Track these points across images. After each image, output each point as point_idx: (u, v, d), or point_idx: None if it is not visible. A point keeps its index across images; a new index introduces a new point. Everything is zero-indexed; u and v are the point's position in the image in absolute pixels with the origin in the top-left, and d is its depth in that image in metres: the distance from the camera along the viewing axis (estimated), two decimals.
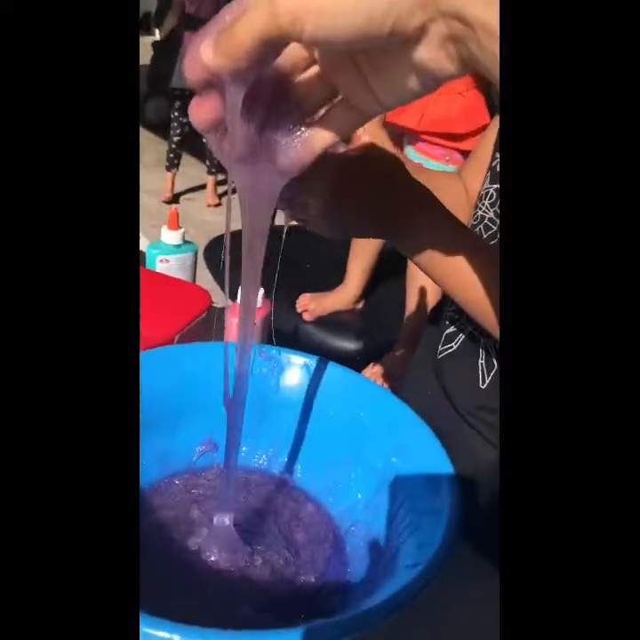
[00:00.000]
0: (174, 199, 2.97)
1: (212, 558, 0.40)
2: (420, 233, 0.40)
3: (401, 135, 1.22)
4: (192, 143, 2.86)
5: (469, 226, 0.55)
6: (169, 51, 2.81)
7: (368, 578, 0.40)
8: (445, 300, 0.61)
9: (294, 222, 0.41)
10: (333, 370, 0.49)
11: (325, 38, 0.21)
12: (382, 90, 0.25)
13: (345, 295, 1.28)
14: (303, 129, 0.27)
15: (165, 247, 0.75)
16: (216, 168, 2.88)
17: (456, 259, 0.39)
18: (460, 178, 0.60)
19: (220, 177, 2.93)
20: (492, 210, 0.52)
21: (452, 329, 0.56)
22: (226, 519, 0.40)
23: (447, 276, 0.41)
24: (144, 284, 0.65)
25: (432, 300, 1.01)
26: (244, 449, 0.49)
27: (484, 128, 1.17)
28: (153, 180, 2.93)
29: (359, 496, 0.45)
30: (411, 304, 1.14)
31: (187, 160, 3.03)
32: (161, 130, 3.24)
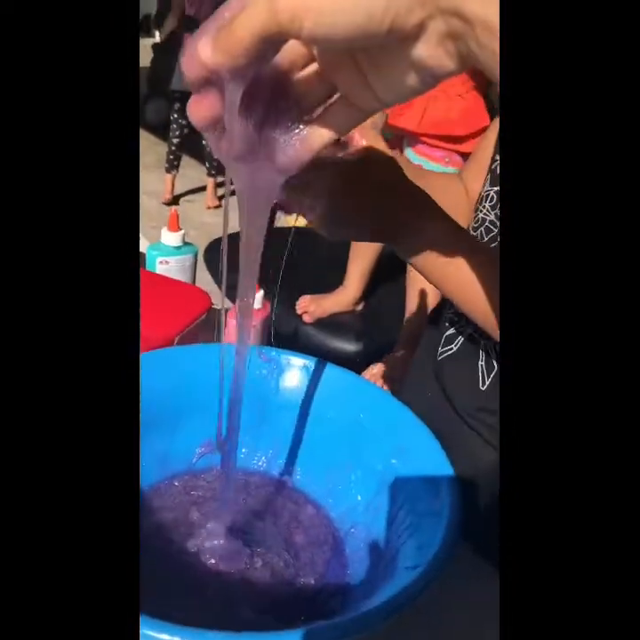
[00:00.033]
0: (174, 201, 2.98)
1: (212, 560, 0.40)
2: (418, 235, 0.40)
3: (401, 137, 1.23)
4: (192, 145, 2.86)
5: (470, 228, 0.55)
6: (169, 53, 2.82)
7: (368, 579, 0.40)
8: (445, 302, 0.61)
9: (299, 223, 0.41)
10: (333, 371, 0.49)
11: (324, 35, 0.21)
12: (381, 87, 0.25)
13: (345, 297, 1.28)
14: (302, 127, 0.27)
15: (165, 249, 0.75)
16: (216, 170, 2.89)
17: (454, 261, 0.39)
18: (461, 179, 0.60)
19: (220, 179, 2.93)
20: (492, 212, 0.53)
21: (451, 331, 0.56)
22: (222, 526, 0.40)
23: (446, 279, 0.41)
24: (144, 285, 0.65)
25: (432, 301, 1.01)
26: (243, 451, 0.49)
27: (483, 130, 1.17)
28: (153, 182, 2.93)
29: (359, 498, 0.45)
30: (411, 306, 1.14)
31: (186, 162, 3.03)
32: (161, 131, 3.24)
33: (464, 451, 0.48)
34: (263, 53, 0.22)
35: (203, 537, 0.41)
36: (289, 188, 0.38)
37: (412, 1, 0.21)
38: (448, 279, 0.41)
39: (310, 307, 1.26)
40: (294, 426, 0.49)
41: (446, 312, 0.59)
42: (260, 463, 0.49)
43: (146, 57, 3.54)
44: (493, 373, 0.52)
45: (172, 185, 2.97)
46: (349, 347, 1.23)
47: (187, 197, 3.09)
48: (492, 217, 0.53)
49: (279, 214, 0.41)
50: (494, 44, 0.21)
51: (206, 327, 0.64)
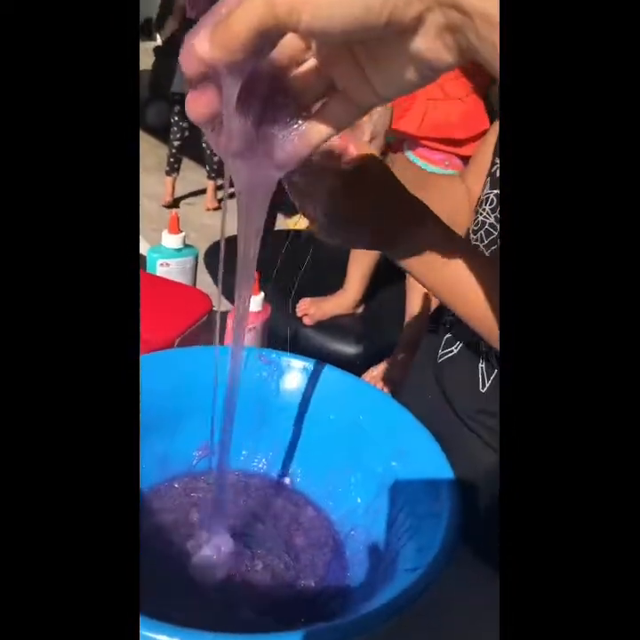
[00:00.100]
0: (174, 203, 2.98)
1: (214, 562, 0.40)
2: (413, 240, 0.40)
3: (401, 140, 1.23)
4: (192, 147, 2.86)
5: (470, 230, 0.55)
6: (170, 55, 2.83)
7: (368, 582, 0.40)
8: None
9: (299, 226, 0.42)
10: (333, 374, 0.49)
11: (322, 29, 0.21)
12: (380, 81, 0.25)
13: (345, 299, 1.29)
14: (300, 122, 0.27)
15: (166, 251, 0.75)
16: (216, 172, 2.89)
17: (449, 265, 0.40)
18: (463, 181, 0.60)
19: (220, 181, 2.94)
20: (492, 215, 0.53)
21: (452, 333, 0.56)
22: (221, 528, 0.40)
23: (442, 285, 0.41)
24: (145, 287, 0.65)
25: (432, 304, 1.01)
26: (243, 453, 0.49)
27: (483, 133, 1.17)
28: (153, 185, 2.93)
29: (359, 500, 0.45)
30: (411, 308, 1.14)
31: (187, 164, 3.03)
32: (162, 134, 3.25)
33: (464, 453, 0.48)
34: (260, 47, 0.22)
35: (203, 539, 0.41)
36: (292, 194, 0.38)
37: None
38: (443, 284, 0.41)
39: (310, 309, 1.26)
40: (294, 428, 0.49)
41: (446, 315, 0.59)
42: (260, 465, 0.49)
43: (147, 60, 3.55)
44: (493, 376, 0.52)
45: (173, 188, 2.98)
46: (349, 349, 1.23)
47: (187, 200, 3.09)
48: (492, 220, 0.53)
49: (280, 216, 0.41)
50: (494, 37, 0.21)
51: (207, 329, 0.64)
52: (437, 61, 0.23)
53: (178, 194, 3.03)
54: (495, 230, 0.53)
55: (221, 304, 0.39)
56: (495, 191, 0.53)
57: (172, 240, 0.74)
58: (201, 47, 0.22)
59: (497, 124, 0.60)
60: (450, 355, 0.56)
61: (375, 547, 0.41)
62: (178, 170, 2.96)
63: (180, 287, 0.71)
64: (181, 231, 0.75)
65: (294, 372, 0.49)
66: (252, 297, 0.65)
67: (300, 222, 0.43)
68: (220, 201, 2.99)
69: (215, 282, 1.22)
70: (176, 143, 2.87)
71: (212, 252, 1.42)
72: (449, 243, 0.40)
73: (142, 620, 0.27)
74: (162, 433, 0.46)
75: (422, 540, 0.36)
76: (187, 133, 2.83)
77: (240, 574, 0.39)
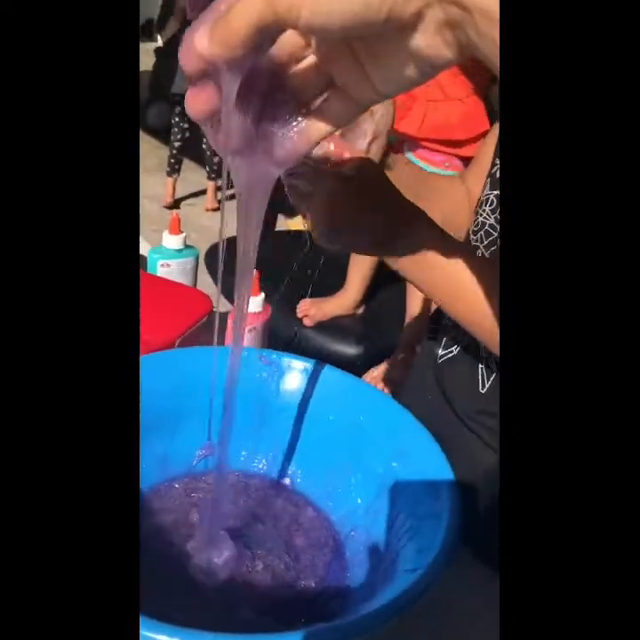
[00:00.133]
0: (175, 204, 2.98)
1: (214, 562, 0.40)
2: (410, 241, 0.40)
3: (402, 141, 1.23)
4: (193, 148, 2.87)
5: (470, 231, 0.55)
6: (171, 56, 2.83)
7: (368, 582, 0.40)
8: None
9: (300, 227, 0.42)
10: (333, 374, 0.49)
11: (321, 25, 0.21)
12: (379, 78, 0.25)
13: (345, 300, 1.29)
14: (299, 119, 0.27)
15: (167, 252, 0.75)
16: (216, 173, 2.89)
17: (447, 270, 0.40)
18: (463, 182, 0.60)
19: (220, 182, 2.94)
20: (492, 216, 0.53)
21: (452, 334, 0.56)
22: (221, 528, 0.40)
23: (439, 289, 0.41)
24: (145, 288, 0.65)
25: (432, 305, 1.01)
26: (243, 453, 0.49)
27: (483, 134, 1.17)
28: (154, 186, 2.94)
29: (359, 501, 0.45)
30: (411, 309, 1.14)
31: (187, 165, 3.03)
32: (163, 135, 3.25)
33: (464, 454, 0.48)
34: (260, 44, 0.22)
35: (203, 539, 0.41)
36: (292, 198, 0.39)
37: None
38: (441, 288, 0.41)
39: (311, 310, 1.26)
40: (295, 428, 0.49)
41: (446, 316, 0.59)
42: (260, 466, 0.49)
43: (148, 61, 3.55)
44: (493, 376, 0.52)
45: (173, 188, 2.98)
46: (350, 350, 1.23)
47: (188, 201, 3.09)
48: (492, 221, 0.53)
49: (280, 217, 0.41)
50: (494, 33, 0.21)
51: (207, 330, 0.64)
52: (437, 58, 0.23)
53: (178, 195, 3.03)
54: (495, 231, 0.53)
55: (222, 305, 0.40)
56: (495, 192, 0.53)
57: (172, 241, 0.75)
58: (200, 43, 0.22)
59: (498, 125, 0.60)
60: (450, 355, 0.56)
61: (375, 547, 0.41)
62: (178, 171, 2.96)
63: (181, 288, 0.71)
64: (182, 232, 0.75)
65: (294, 373, 0.49)
66: (253, 298, 0.65)
67: (300, 223, 0.44)
68: (220, 201, 2.99)
69: (216, 282, 1.22)
70: (177, 144, 2.88)
71: (213, 252, 1.42)
72: (445, 245, 0.40)
73: (142, 620, 0.27)
74: (162, 433, 0.46)
75: (422, 540, 0.36)
76: (187, 134, 2.83)
77: (240, 575, 0.39)
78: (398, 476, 0.42)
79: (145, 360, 0.47)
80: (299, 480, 0.49)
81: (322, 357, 0.50)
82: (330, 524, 0.45)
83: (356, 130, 0.41)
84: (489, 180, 0.54)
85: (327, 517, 0.46)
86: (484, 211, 0.53)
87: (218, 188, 2.98)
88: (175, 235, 0.74)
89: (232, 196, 0.30)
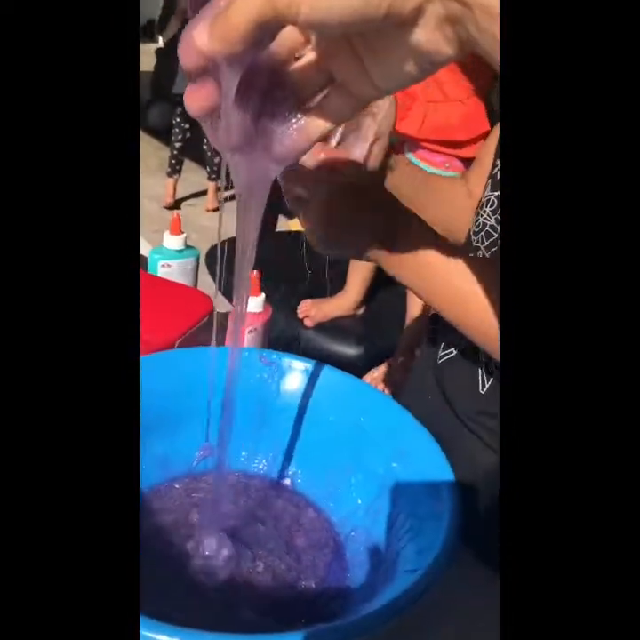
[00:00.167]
0: (176, 205, 2.98)
1: (214, 562, 0.40)
2: (405, 246, 0.40)
3: (402, 142, 1.23)
4: (194, 149, 2.87)
5: (471, 232, 0.55)
6: (172, 57, 2.83)
7: (368, 583, 0.40)
8: None
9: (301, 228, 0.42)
10: (334, 375, 0.49)
11: (321, 20, 0.21)
12: (379, 74, 0.25)
13: (346, 301, 1.29)
14: (299, 116, 0.27)
15: (167, 252, 0.75)
16: (216, 174, 2.89)
17: (443, 276, 0.40)
18: (465, 183, 0.60)
19: (221, 183, 2.94)
20: (493, 217, 0.53)
21: (452, 335, 0.56)
22: (222, 529, 0.40)
23: (435, 294, 0.41)
24: (146, 288, 0.65)
25: None
26: (243, 454, 0.49)
27: (483, 136, 1.17)
28: (155, 186, 2.94)
29: (359, 501, 0.45)
30: (411, 310, 1.14)
31: (188, 166, 3.03)
32: (164, 136, 3.25)
33: (464, 454, 0.48)
34: (260, 39, 0.21)
35: (203, 539, 0.41)
36: (289, 205, 0.39)
37: None
38: (437, 294, 0.41)
39: (311, 311, 1.26)
40: (295, 429, 0.49)
41: None
42: (260, 466, 0.49)
43: (149, 62, 3.55)
44: (493, 377, 0.52)
45: (174, 189, 2.98)
46: (350, 351, 1.23)
47: (188, 201, 3.09)
48: (493, 222, 0.53)
49: (282, 218, 0.41)
50: (494, 28, 0.21)
51: (208, 330, 0.64)
52: (437, 53, 0.23)
53: (179, 195, 3.03)
54: (496, 232, 0.53)
55: (223, 305, 0.40)
56: (496, 193, 0.53)
57: (173, 241, 0.75)
58: (200, 39, 0.22)
59: (499, 126, 0.60)
60: (449, 356, 0.56)
61: (376, 548, 0.41)
62: (179, 171, 2.96)
63: (182, 288, 0.71)
64: (183, 232, 0.75)
65: (295, 374, 0.49)
66: (253, 298, 0.65)
67: (300, 224, 0.44)
68: (220, 202, 2.99)
69: (218, 284, 1.22)
70: (177, 145, 2.88)
71: (214, 253, 1.42)
72: (442, 251, 0.41)
73: (143, 620, 0.27)
74: (163, 433, 0.46)
75: (423, 541, 0.36)
76: (188, 135, 2.83)
77: (241, 575, 0.39)
78: (399, 476, 0.42)
79: (146, 360, 0.47)
80: (299, 481, 0.49)
81: (322, 358, 0.50)
82: (330, 524, 0.45)
83: (359, 131, 0.41)
84: (490, 181, 0.54)
85: (327, 518, 0.46)
86: (484, 212, 0.53)
87: (218, 189, 2.98)
88: (176, 235, 0.74)
89: (232, 197, 0.30)
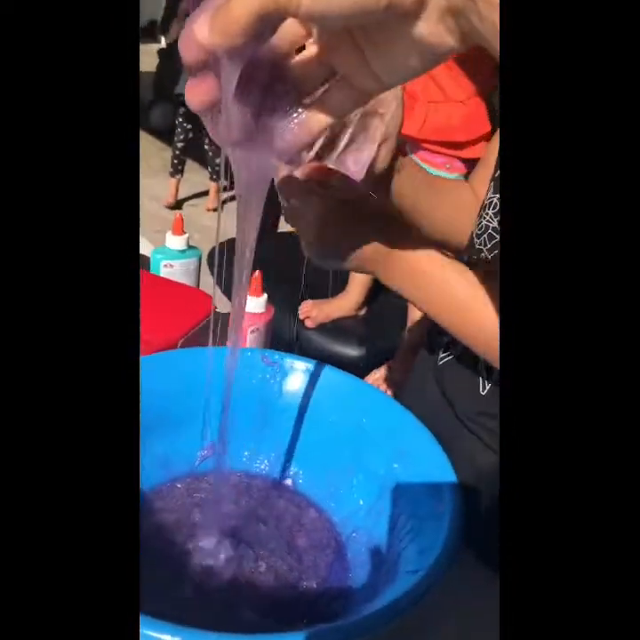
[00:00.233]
0: (178, 205, 2.98)
1: (216, 562, 0.40)
2: (398, 255, 0.40)
3: (403, 143, 1.23)
4: (196, 149, 2.87)
5: (474, 234, 0.55)
6: (174, 57, 2.84)
7: (370, 583, 0.40)
8: None
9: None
10: (335, 375, 0.49)
11: (321, 13, 0.21)
12: (381, 67, 0.25)
13: (347, 302, 1.29)
14: (300, 110, 0.27)
15: (170, 252, 0.75)
16: (218, 174, 2.90)
17: (439, 285, 0.40)
18: (470, 185, 0.60)
19: (223, 183, 2.94)
20: (495, 219, 0.53)
21: (452, 337, 0.56)
22: (223, 529, 0.40)
23: (431, 303, 0.42)
24: (148, 288, 0.65)
25: None
26: (245, 454, 0.49)
27: (484, 136, 1.17)
28: (158, 187, 2.94)
29: (361, 502, 0.45)
30: (413, 311, 1.14)
31: (190, 166, 3.04)
32: (166, 136, 3.26)
33: (464, 455, 0.48)
34: (261, 32, 0.21)
35: (205, 539, 0.41)
36: (286, 218, 0.39)
37: None
38: (432, 302, 0.42)
39: (313, 312, 1.26)
40: (297, 429, 0.49)
41: None
42: (262, 466, 0.50)
43: (151, 62, 3.56)
44: (492, 383, 0.52)
45: (176, 189, 2.98)
46: (352, 351, 1.23)
47: (190, 202, 3.09)
48: (495, 224, 0.53)
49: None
50: (496, 17, 0.21)
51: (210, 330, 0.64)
52: (440, 45, 0.23)
53: (181, 195, 3.03)
54: (498, 234, 0.52)
55: (223, 305, 0.40)
56: (498, 195, 0.53)
57: (175, 241, 0.75)
58: (200, 32, 0.22)
59: None
60: (450, 357, 0.56)
61: (377, 548, 0.42)
62: (182, 171, 2.97)
63: (184, 288, 0.71)
64: (185, 232, 0.75)
65: (297, 374, 0.49)
66: (256, 298, 0.65)
67: None
68: (222, 202, 2.99)
69: (219, 284, 1.22)
70: (180, 145, 2.88)
71: (215, 253, 1.42)
72: (439, 260, 0.41)
73: (145, 620, 0.27)
74: (165, 433, 0.46)
75: (424, 541, 0.36)
76: (191, 135, 2.84)
77: (243, 575, 0.39)
78: (400, 477, 0.42)
79: (148, 360, 0.47)
80: (300, 481, 0.49)
81: (323, 359, 0.50)
82: (332, 525, 0.45)
83: (366, 132, 0.41)
84: (492, 183, 0.54)
85: (329, 518, 0.46)
86: (487, 214, 0.53)
87: (224, 189, 2.97)
88: (178, 235, 0.75)
89: (233, 198, 0.30)
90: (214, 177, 2.93)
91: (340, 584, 0.41)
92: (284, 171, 0.39)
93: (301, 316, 1.26)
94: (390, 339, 1.17)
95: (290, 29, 0.25)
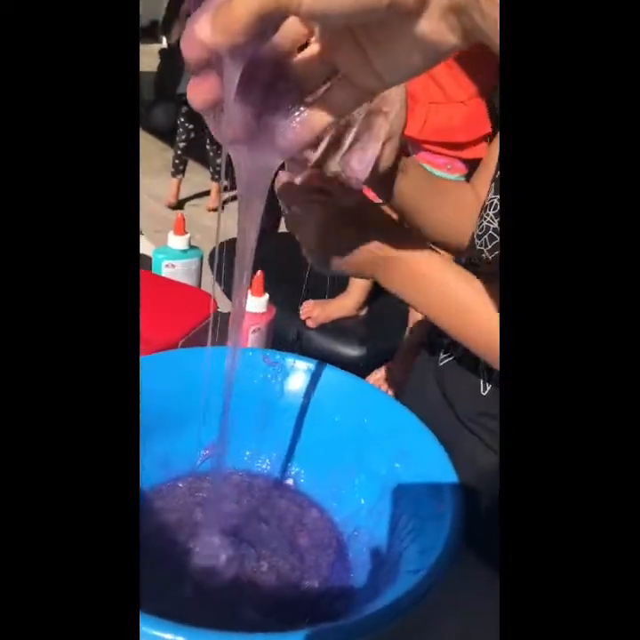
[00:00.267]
0: (179, 205, 2.99)
1: (218, 561, 0.40)
2: (400, 260, 0.41)
3: (406, 143, 1.23)
4: (197, 149, 2.87)
5: (475, 235, 0.55)
6: (176, 57, 2.84)
7: (371, 583, 0.40)
8: None
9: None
10: (337, 375, 0.49)
11: (323, 12, 0.21)
12: (383, 65, 0.25)
13: (348, 302, 1.29)
14: (302, 109, 0.27)
15: (172, 252, 0.75)
16: (219, 174, 2.90)
17: (439, 288, 0.40)
18: (473, 187, 0.60)
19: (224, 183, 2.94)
20: (496, 220, 0.53)
21: (451, 339, 0.56)
22: (224, 529, 0.40)
23: (431, 307, 0.42)
24: (150, 288, 0.65)
25: None
26: (247, 453, 0.50)
27: (485, 137, 1.17)
28: (159, 187, 2.94)
29: (362, 502, 0.45)
30: (414, 312, 1.14)
31: (192, 166, 3.04)
32: (168, 137, 3.26)
33: (465, 455, 0.48)
34: (262, 31, 0.21)
35: (206, 539, 0.41)
36: (287, 225, 0.40)
37: None
38: (432, 305, 0.42)
39: (314, 312, 1.26)
40: (298, 429, 0.49)
41: None
42: (264, 466, 0.50)
43: (153, 62, 3.56)
44: (492, 384, 0.52)
45: (178, 189, 2.98)
46: (353, 352, 1.23)
47: (192, 202, 3.10)
48: (496, 225, 0.53)
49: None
50: (497, 14, 0.21)
51: (212, 330, 0.64)
52: (442, 43, 0.23)
53: (182, 195, 3.03)
54: (499, 235, 0.53)
55: (224, 305, 0.40)
56: (499, 196, 0.53)
57: (177, 241, 0.75)
58: (202, 31, 0.22)
59: None
60: (451, 358, 0.56)
61: (378, 548, 0.42)
62: (183, 171, 2.97)
63: (185, 288, 0.72)
64: (187, 232, 0.75)
65: (298, 374, 0.49)
66: (257, 298, 0.65)
67: None
68: (223, 202, 3.00)
69: (220, 283, 1.23)
70: (181, 145, 2.88)
71: (215, 253, 1.42)
72: (439, 265, 0.41)
73: (147, 619, 0.27)
74: (166, 433, 0.46)
75: (425, 541, 0.36)
76: (192, 135, 2.84)
77: (246, 574, 0.39)
78: (401, 477, 0.42)
79: (149, 360, 0.47)
80: (302, 480, 0.49)
81: (324, 359, 0.50)
82: (333, 524, 0.45)
83: (371, 131, 0.41)
84: (493, 184, 0.54)
85: (330, 518, 0.46)
86: (488, 215, 0.53)
87: (225, 189, 2.97)
88: (180, 235, 0.75)
89: (234, 198, 0.30)
90: (216, 177, 2.94)
91: (341, 583, 0.41)
92: (284, 177, 0.39)
93: (303, 316, 1.26)
94: (391, 339, 1.17)
95: (291, 28, 0.25)
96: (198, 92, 0.25)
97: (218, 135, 0.27)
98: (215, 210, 2.96)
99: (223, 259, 0.39)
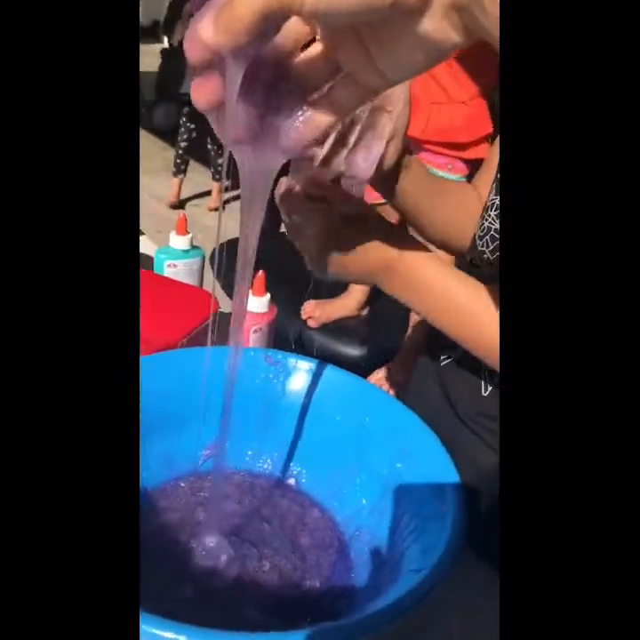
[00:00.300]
0: (180, 205, 2.99)
1: (219, 561, 0.40)
2: (399, 265, 0.41)
3: (408, 143, 1.23)
4: (199, 149, 2.87)
5: (476, 236, 0.55)
6: (178, 57, 2.84)
7: (373, 582, 0.40)
8: None
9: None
10: (338, 375, 0.49)
11: (326, 11, 0.21)
12: (386, 63, 0.25)
13: (350, 302, 1.29)
14: (305, 108, 0.27)
15: (173, 252, 0.75)
16: (220, 174, 2.90)
17: (439, 291, 0.40)
18: (475, 188, 0.60)
19: (225, 182, 2.94)
20: (498, 221, 0.53)
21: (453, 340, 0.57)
22: (224, 528, 0.40)
23: (431, 310, 0.42)
24: (152, 288, 0.65)
25: None
26: (248, 453, 0.50)
27: (486, 137, 1.16)
28: (161, 187, 2.94)
29: (364, 501, 0.45)
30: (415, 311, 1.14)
31: (193, 166, 3.04)
32: (169, 136, 3.26)
33: (465, 455, 0.48)
34: (264, 31, 0.21)
35: (208, 538, 0.41)
36: (288, 232, 0.40)
37: None
38: (431, 308, 0.42)
39: (315, 311, 1.26)
40: (300, 429, 0.49)
41: None
42: (265, 465, 0.50)
43: (155, 62, 3.56)
44: (493, 385, 0.52)
45: (179, 189, 2.99)
46: (354, 351, 1.23)
47: (193, 201, 3.10)
48: (497, 225, 0.53)
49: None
50: (498, 11, 0.21)
51: (213, 330, 0.64)
52: (444, 42, 0.23)
53: (183, 195, 3.04)
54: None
55: (224, 305, 0.40)
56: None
57: (179, 241, 0.75)
58: (205, 32, 0.22)
59: None
60: (452, 359, 0.56)
61: (380, 548, 0.42)
62: (185, 171, 2.97)
63: (187, 288, 0.72)
64: (189, 232, 0.75)
65: (300, 373, 0.49)
66: (259, 298, 0.65)
67: None
68: (224, 202, 3.00)
69: (221, 283, 1.23)
70: (183, 145, 2.88)
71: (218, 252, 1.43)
72: (437, 268, 0.41)
73: (149, 618, 0.27)
74: (168, 433, 0.46)
75: (427, 541, 0.36)
76: (194, 134, 2.84)
77: (248, 574, 0.40)
78: (403, 476, 0.43)
79: (150, 360, 0.47)
80: (303, 480, 0.49)
81: (326, 358, 0.50)
82: (335, 524, 0.45)
83: (375, 129, 0.41)
84: (494, 185, 0.54)
85: (332, 518, 0.46)
86: (489, 216, 0.53)
87: (227, 189, 2.98)
88: (182, 235, 0.75)
89: (235, 198, 0.30)
90: (217, 177, 2.94)
91: (343, 583, 0.41)
92: (284, 185, 0.40)
93: (304, 316, 1.26)
94: (392, 339, 1.17)
95: (294, 28, 0.25)
96: (201, 92, 0.25)
97: (221, 135, 0.27)
98: (216, 210, 2.96)
99: (224, 259, 0.40)
